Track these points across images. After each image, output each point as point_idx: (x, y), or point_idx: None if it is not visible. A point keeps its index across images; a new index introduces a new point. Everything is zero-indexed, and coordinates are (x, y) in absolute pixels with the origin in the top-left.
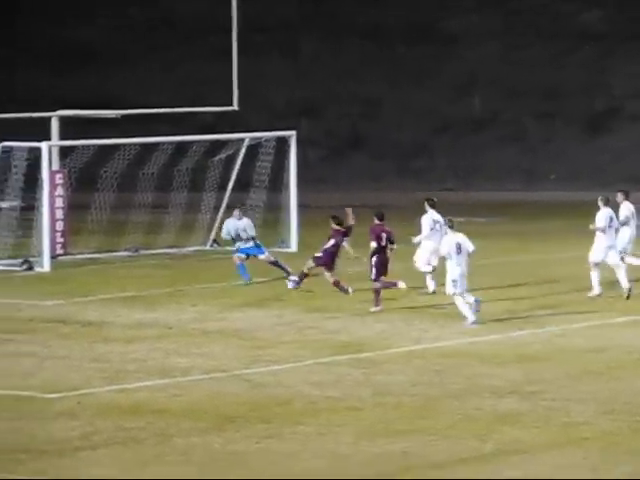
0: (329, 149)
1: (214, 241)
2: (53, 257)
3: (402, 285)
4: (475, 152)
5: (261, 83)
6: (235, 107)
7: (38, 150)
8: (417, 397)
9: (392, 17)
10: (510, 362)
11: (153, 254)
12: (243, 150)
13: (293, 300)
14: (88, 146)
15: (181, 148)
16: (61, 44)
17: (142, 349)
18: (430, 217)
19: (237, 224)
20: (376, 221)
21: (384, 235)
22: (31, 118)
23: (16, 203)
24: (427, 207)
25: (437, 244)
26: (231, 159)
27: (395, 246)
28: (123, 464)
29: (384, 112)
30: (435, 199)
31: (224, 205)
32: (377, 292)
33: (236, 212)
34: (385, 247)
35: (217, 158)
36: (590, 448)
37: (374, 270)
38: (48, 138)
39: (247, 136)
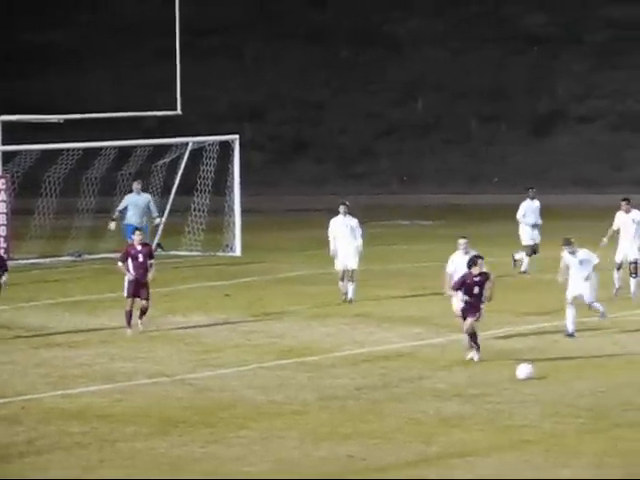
0: (273, 153)
1: (158, 245)
2: None
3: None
4: (419, 155)
5: (205, 87)
6: (179, 111)
7: None
8: (362, 400)
9: (337, 21)
10: (454, 365)
11: (97, 259)
12: (187, 154)
13: (238, 304)
14: (31, 151)
15: (124, 153)
16: (5, 48)
17: (86, 354)
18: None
19: (136, 199)
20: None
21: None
22: None
23: None
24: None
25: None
26: (175, 163)
27: None
28: (67, 469)
29: (328, 116)
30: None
31: (168, 209)
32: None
33: (135, 184)
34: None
35: (161, 162)
36: (533, 450)
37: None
38: None
39: (190, 140)
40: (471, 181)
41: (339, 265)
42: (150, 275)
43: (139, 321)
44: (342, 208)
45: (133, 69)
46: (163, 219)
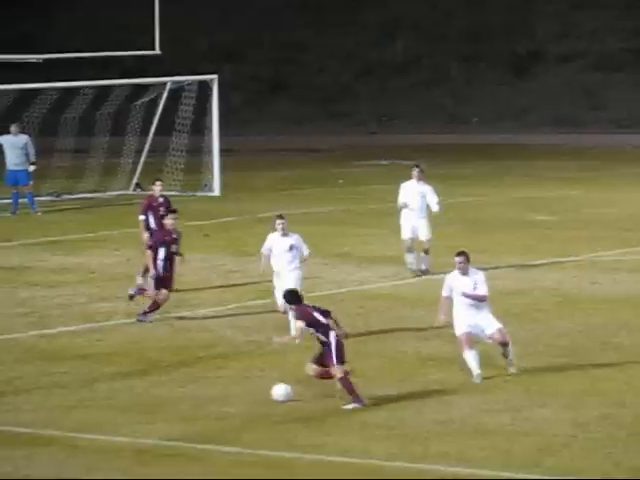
0: (252, 93)
1: (137, 185)
2: None
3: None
4: (398, 95)
5: (184, 27)
6: (157, 51)
7: None
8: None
9: None
10: (433, 305)
11: (76, 199)
12: (165, 94)
13: (217, 244)
14: (9, 91)
15: (103, 92)
16: None
17: (65, 294)
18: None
19: (12, 140)
20: None
21: None
22: None
23: None
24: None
25: None
26: (153, 103)
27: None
28: (46, 409)
29: (307, 56)
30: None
31: (146, 149)
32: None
33: (13, 127)
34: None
35: (139, 102)
36: (512, 390)
37: None
38: None
39: (169, 80)
40: (450, 121)
41: (406, 234)
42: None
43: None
44: (416, 172)
45: (113, 9)
46: (141, 159)
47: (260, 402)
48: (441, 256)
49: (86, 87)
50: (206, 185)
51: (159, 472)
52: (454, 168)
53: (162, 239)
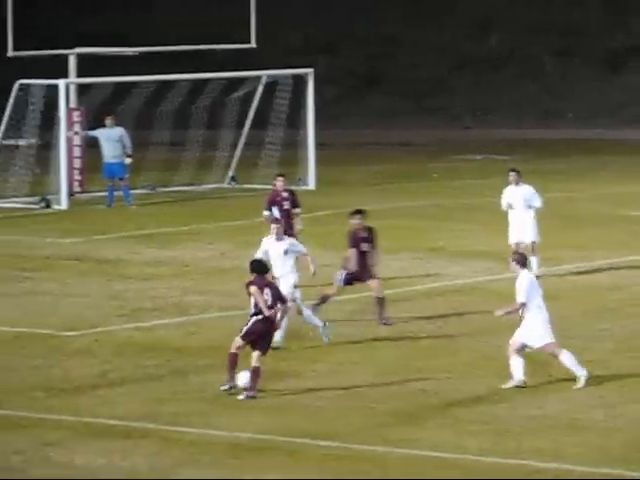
0: (346, 87)
1: (232, 178)
2: (71, 195)
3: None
4: (493, 90)
5: (279, 20)
6: (253, 44)
7: (56, 87)
8: (436, 335)
9: None
10: None
11: (171, 192)
12: (261, 88)
13: (311, 238)
14: (106, 83)
15: (199, 86)
16: None
17: (159, 287)
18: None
19: (108, 133)
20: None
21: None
22: (49, 55)
23: (33, 141)
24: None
25: None
26: (249, 97)
27: None
28: (140, 402)
29: (401, 50)
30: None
31: (242, 142)
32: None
33: (108, 120)
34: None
35: (235, 95)
36: (607, 387)
37: None
38: (66, 75)
39: (265, 73)
40: (545, 116)
41: (512, 238)
42: (298, 226)
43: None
44: (512, 176)
45: (208, 2)
46: (237, 153)
47: (354, 396)
48: (539, 251)
49: (182, 80)
50: (300, 179)
51: (252, 465)
52: (549, 163)
53: (354, 238)
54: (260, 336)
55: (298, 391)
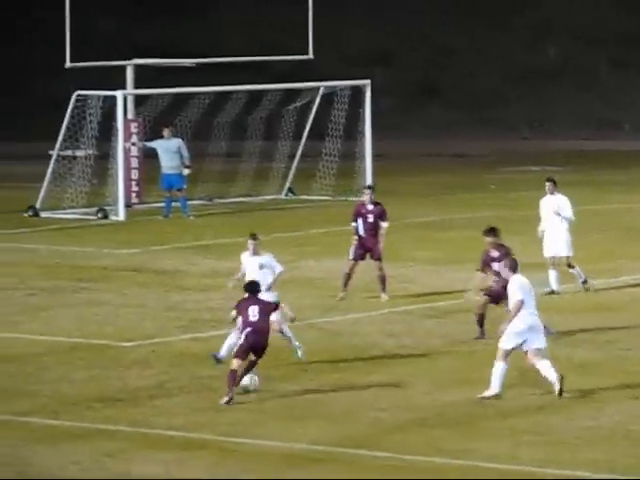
0: (402, 98)
1: (289, 190)
2: (128, 206)
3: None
4: (549, 101)
5: (335, 31)
6: (310, 56)
7: (113, 99)
8: (489, 346)
9: None
10: (585, 311)
11: (228, 203)
12: (318, 99)
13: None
14: (163, 95)
15: (256, 97)
16: None
17: (216, 298)
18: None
19: (166, 144)
20: None
21: None
22: (106, 66)
23: (91, 152)
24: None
25: None
26: (306, 108)
27: None
28: (197, 412)
29: (458, 60)
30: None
31: (299, 154)
32: None
33: (166, 131)
34: None
35: (292, 107)
36: None
37: None
38: (123, 86)
39: (322, 85)
40: (600, 127)
41: (547, 252)
42: (380, 243)
43: (382, 293)
44: (548, 186)
45: (265, 13)
46: (294, 164)
47: (410, 407)
48: (597, 262)
49: (239, 91)
50: (358, 190)
51: (310, 476)
52: (606, 174)
53: (487, 258)
54: (252, 348)
55: (353, 402)
